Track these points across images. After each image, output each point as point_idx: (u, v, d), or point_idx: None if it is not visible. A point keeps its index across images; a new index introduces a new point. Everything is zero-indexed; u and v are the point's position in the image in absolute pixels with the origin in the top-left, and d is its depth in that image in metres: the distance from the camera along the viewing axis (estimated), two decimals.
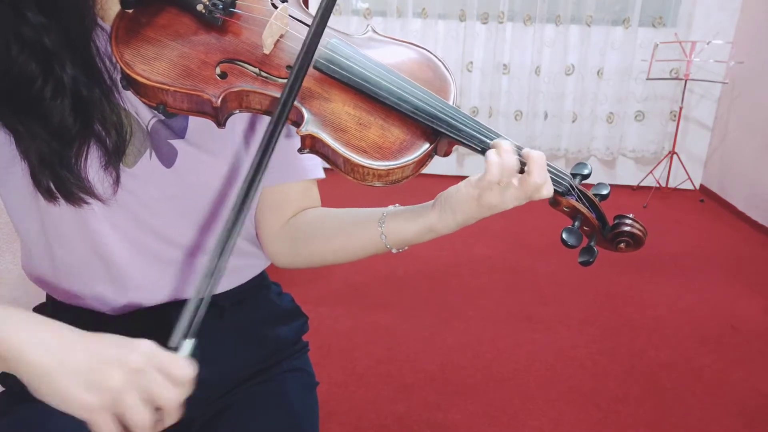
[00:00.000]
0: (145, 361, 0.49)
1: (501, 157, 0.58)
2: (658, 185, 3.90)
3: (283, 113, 0.54)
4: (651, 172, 3.90)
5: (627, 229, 0.68)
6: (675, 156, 3.76)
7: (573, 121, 3.98)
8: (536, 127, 4.01)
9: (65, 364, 0.48)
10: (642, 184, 3.99)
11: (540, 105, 3.96)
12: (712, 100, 3.91)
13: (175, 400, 0.49)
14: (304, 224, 0.78)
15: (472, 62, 3.93)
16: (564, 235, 0.65)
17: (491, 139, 0.62)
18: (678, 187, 3.98)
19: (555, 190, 0.64)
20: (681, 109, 3.72)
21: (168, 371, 0.49)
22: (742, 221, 3.47)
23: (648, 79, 3.64)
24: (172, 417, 0.50)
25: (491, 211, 0.61)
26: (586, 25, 3.75)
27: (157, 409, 0.49)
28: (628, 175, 4.12)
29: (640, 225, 0.69)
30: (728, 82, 3.71)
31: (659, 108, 3.90)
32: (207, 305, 0.51)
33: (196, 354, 0.51)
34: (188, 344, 0.51)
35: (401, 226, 0.67)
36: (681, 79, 3.66)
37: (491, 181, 0.58)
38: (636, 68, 3.81)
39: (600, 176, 4.07)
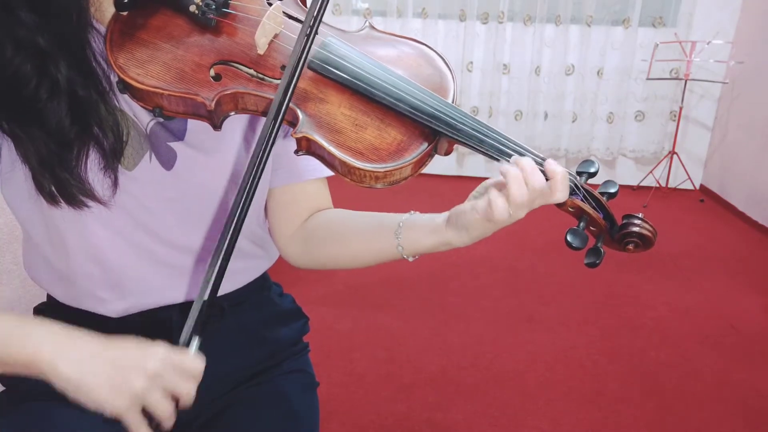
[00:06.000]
0: (162, 365, 0.56)
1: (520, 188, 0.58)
2: (658, 185, 3.89)
3: (277, 117, 0.53)
4: (651, 172, 3.89)
5: (636, 230, 0.65)
6: (675, 156, 3.76)
7: (573, 121, 3.98)
8: (536, 127, 4.01)
9: (91, 376, 0.56)
10: (642, 184, 3.99)
11: (540, 105, 3.96)
12: (712, 100, 3.91)
13: (191, 391, 0.58)
14: (319, 227, 0.78)
15: (472, 62, 3.93)
16: (568, 238, 0.61)
17: (491, 138, 0.61)
18: (678, 187, 3.98)
19: None
20: (681, 109, 3.71)
21: (182, 368, 0.57)
22: (742, 221, 3.46)
23: (648, 79, 3.64)
24: (188, 403, 0.59)
25: (504, 225, 0.61)
26: (586, 25, 3.74)
27: (176, 400, 0.57)
28: (628, 175, 4.11)
29: (650, 225, 0.66)
30: (728, 82, 3.71)
31: (659, 108, 3.90)
32: (210, 305, 0.56)
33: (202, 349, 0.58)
34: (195, 341, 0.57)
35: (418, 239, 0.68)
36: (681, 79, 3.66)
37: (500, 219, 0.59)
38: (636, 68, 3.81)
39: (600, 176, 4.06)
